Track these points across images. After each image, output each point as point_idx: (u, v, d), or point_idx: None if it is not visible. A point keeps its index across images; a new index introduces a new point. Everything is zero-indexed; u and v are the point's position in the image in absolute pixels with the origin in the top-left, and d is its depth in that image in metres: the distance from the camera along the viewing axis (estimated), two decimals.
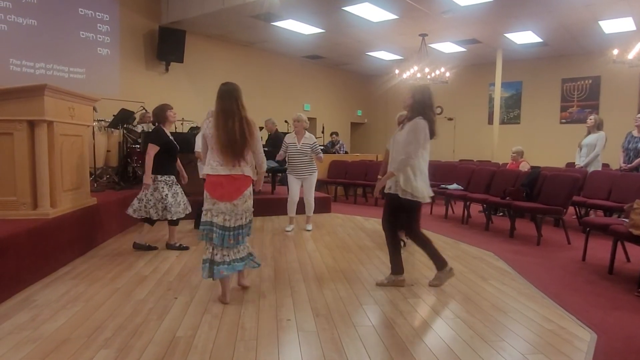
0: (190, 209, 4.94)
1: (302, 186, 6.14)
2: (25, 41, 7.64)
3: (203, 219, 3.34)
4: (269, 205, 7.24)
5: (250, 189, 3.42)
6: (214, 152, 3.33)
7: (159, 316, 3.04)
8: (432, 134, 3.66)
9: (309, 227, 6.27)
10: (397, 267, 3.83)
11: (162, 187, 4.66)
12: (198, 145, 5.76)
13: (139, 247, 4.81)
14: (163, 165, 4.68)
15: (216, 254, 3.29)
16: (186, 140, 6.69)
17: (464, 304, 3.40)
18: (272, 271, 4.18)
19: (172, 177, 4.81)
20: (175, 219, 4.76)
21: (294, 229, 6.19)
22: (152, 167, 4.57)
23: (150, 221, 4.78)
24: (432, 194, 3.77)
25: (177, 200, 4.73)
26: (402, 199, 3.64)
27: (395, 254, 3.83)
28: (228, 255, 3.32)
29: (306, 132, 6.14)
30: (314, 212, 6.31)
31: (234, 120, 3.24)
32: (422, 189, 3.65)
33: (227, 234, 3.29)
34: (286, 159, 6.15)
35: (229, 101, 3.26)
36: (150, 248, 4.84)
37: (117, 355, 2.47)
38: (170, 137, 4.84)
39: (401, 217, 3.76)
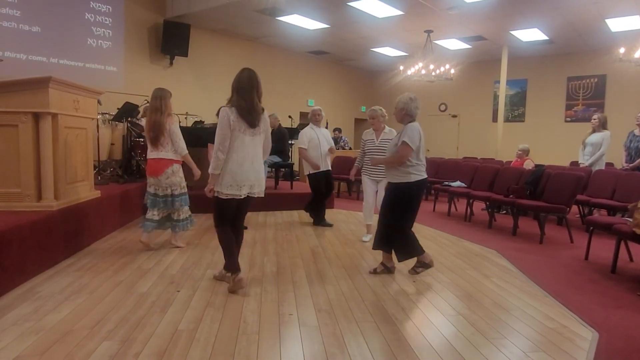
0: None
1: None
2: (29, 34, 7.65)
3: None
4: (272, 200, 7.24)
5: (173, 168, 4.45)
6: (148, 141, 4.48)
7: (161, 309, 3.06)
8: (244, 120, 3.26)
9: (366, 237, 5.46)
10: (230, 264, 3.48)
11: None
12: (304, 143, 6.05)
13: None
14: None
15: (149, 213, 4.54)
16: (189, 134, 6.76)
17: (465, 301, 3.40)
18: (274, 266, 4.19)
19: None
20: None
21: (371, 239, 5.20)
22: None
23: None
24: (233, 193, 3.30)
25: None
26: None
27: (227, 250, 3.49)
28: (157, 215, 4.52)
29: (386, 126, 5.30)
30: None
31: (157, 116, 4.38)
32: (222, 183, 3.32)
33: (156, 200, 4.51)
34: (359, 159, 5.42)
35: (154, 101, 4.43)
36: None
37: (119, 347, 2.48)
38: None
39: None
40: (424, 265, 3.97)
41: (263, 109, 3.43)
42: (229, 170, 3.31)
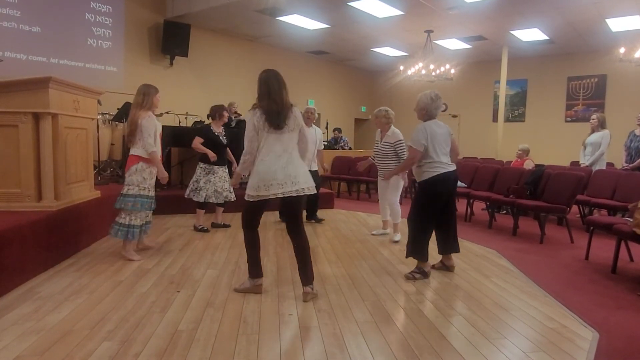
0: (228, 197, 5.58)
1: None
2: (29, 34, 7.65)
3: None
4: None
5: (137, 166, 4.15)
6: None
7: (161, 309, 3.06)
8: (270, 124, 3.19)
9: (395, 237, 5.37)
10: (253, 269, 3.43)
11: (199, 173, 5.49)
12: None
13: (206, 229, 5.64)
14: (204, 156, 5.43)
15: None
16: (189, 134, 6.75)
17: (466, 301, 3.40)
18: (274, 266, 4.19)
19: (212, 167, 5.46)
20: (194, 199, 5.45)
21: (384, 234, 5.65)
22: (199, 156, 5.52)
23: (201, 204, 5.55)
24: (262, 194, 3.21)
25: (199, 187, 5.44)
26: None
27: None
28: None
29: (392, 127, 5.27)
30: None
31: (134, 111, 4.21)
32: (250, 185, 3.28)
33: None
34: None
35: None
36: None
37: (119, 348, 2.48)
38: (216, 134, 5.51)
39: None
40: (422, 272, 3.96)
41: (292, 105, 3.31)
42: (256, 171, 3.26)
